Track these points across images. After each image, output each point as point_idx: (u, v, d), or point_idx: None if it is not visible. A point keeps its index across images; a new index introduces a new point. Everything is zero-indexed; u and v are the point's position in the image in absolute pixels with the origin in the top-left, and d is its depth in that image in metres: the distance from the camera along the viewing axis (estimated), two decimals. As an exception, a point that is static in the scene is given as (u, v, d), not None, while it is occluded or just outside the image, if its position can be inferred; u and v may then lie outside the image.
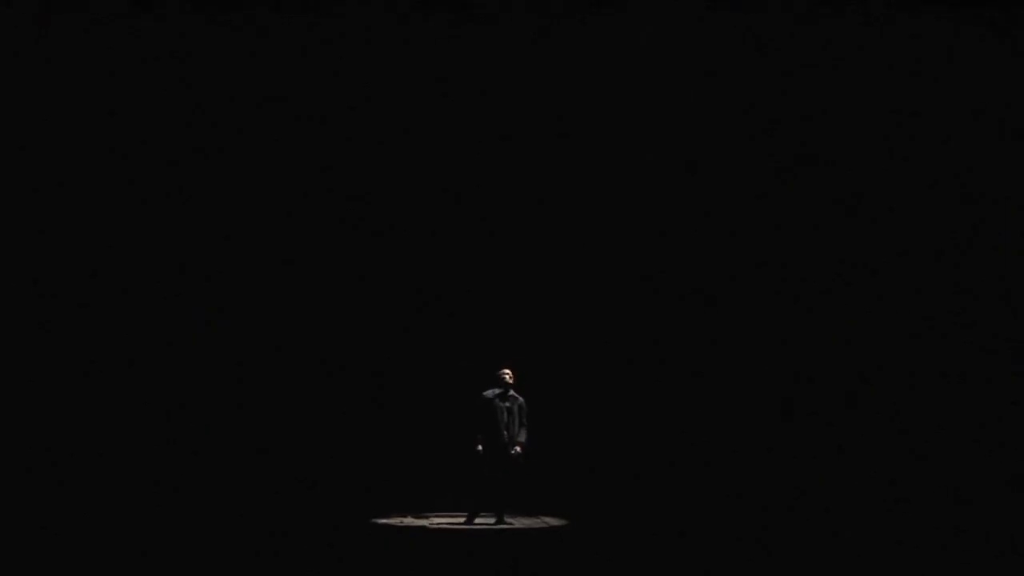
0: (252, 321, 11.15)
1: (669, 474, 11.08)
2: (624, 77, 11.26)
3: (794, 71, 11.17)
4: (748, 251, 11.24)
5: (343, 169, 11.30)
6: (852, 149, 11.14)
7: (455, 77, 11.32)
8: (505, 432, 10.13)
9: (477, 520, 10.24)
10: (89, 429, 10.78)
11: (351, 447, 11.10)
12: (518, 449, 10.17)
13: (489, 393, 10.28)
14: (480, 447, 10.06)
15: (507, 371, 10.29)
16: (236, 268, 11.14)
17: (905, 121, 11.11)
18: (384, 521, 10.41)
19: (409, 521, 10.43)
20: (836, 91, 11.13)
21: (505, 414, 10.19)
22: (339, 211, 11.30)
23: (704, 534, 10.49)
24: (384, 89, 11.30)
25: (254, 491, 10.86)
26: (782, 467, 10.97)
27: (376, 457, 11.11)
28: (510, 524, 10.17)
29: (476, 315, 11.28)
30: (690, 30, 11.20)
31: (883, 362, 11.00)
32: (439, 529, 10.01)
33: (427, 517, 10.62)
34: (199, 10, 10.85)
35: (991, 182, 11.02)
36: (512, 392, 10.26)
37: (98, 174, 10.98)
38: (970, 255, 11.05)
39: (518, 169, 11.34)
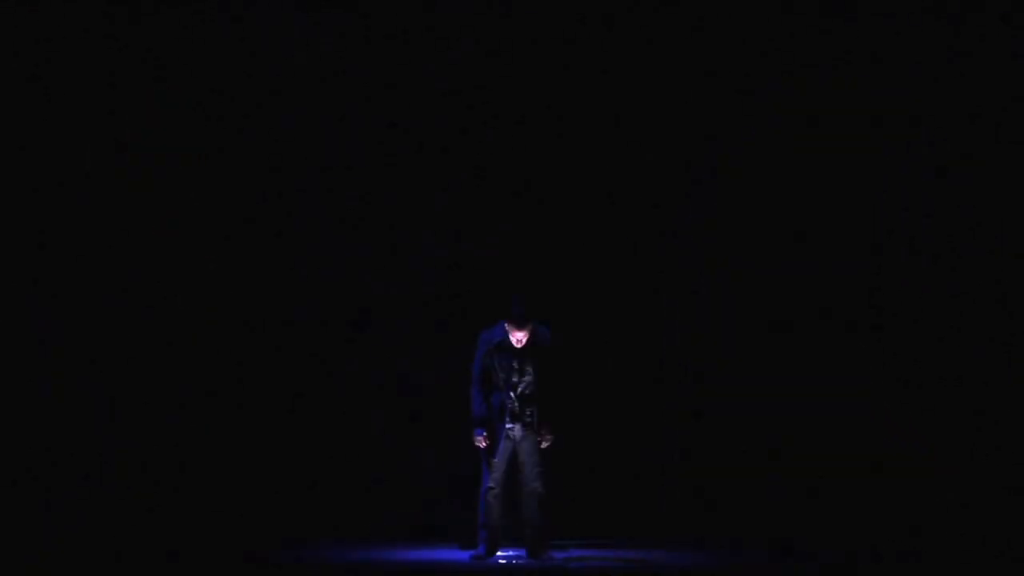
0: (252, 321, 11.10)
1: (671, 477, 11.09)
2: (623, 76, 11.21)
3: (794, 71, 11.14)
4: (748, 251, 11.21)
5: (341, 169, 11.23)
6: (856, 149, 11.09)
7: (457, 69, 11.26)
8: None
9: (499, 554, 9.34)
10: (88, 429, 10.72)
11: (353, 450, 11.07)
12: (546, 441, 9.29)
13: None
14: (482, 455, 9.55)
15: None
16: (236, 268, 11.08)
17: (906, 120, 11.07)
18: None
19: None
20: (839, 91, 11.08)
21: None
22: (340, 211, 11.24)
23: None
24: (379, 88, 11.23)
25: (253, 493, 10.83)
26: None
27: (379, 463, 11.07)
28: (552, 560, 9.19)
29: (477, 316, 11.22)
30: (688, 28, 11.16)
31: (884, 363, 10.98)
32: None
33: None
34: None
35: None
36: None
37: (95, 173, 10.89)
38: (969, 256, 11.01)
39: (516, 170, 11.30)
